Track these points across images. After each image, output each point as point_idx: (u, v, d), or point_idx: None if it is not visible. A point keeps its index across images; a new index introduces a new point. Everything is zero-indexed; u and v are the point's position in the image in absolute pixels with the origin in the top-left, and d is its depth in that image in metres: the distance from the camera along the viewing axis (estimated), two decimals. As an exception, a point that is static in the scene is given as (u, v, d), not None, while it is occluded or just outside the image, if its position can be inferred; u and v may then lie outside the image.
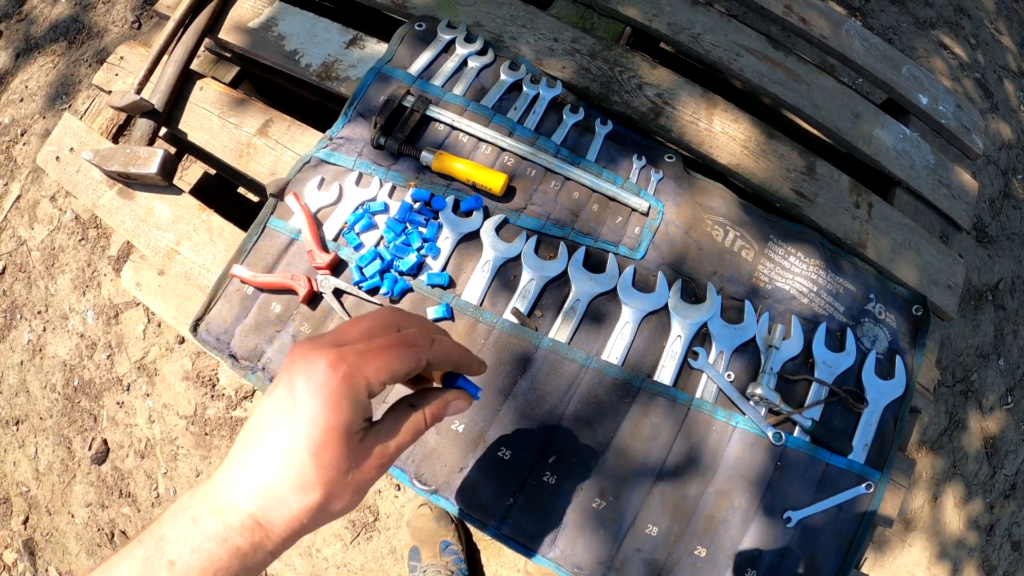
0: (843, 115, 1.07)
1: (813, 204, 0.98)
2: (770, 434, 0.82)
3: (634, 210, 0.91)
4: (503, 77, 0.97)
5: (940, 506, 1.86)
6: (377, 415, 0.48)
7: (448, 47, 0.99)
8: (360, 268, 0.83)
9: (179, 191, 0.99)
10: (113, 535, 1.71)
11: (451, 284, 0.85)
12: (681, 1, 1.09)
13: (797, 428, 0.84)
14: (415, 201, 0.87)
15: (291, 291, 0.84)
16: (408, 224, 0.86)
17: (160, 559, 0.39)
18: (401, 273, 0.84)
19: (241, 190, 1.55)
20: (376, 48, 1.02)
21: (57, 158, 1.05)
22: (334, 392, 0.41)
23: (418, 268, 0.85)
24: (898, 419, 0.87)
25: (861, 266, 0.96)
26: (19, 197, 2.04)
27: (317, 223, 0.87)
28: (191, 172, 1.87)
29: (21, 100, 2.19)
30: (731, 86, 1.29)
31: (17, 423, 1.84)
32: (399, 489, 1.67)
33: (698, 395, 0.83)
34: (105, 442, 1.77)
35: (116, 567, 0.39)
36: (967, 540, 1.84)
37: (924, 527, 1.83)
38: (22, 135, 2.13)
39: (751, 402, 0.83)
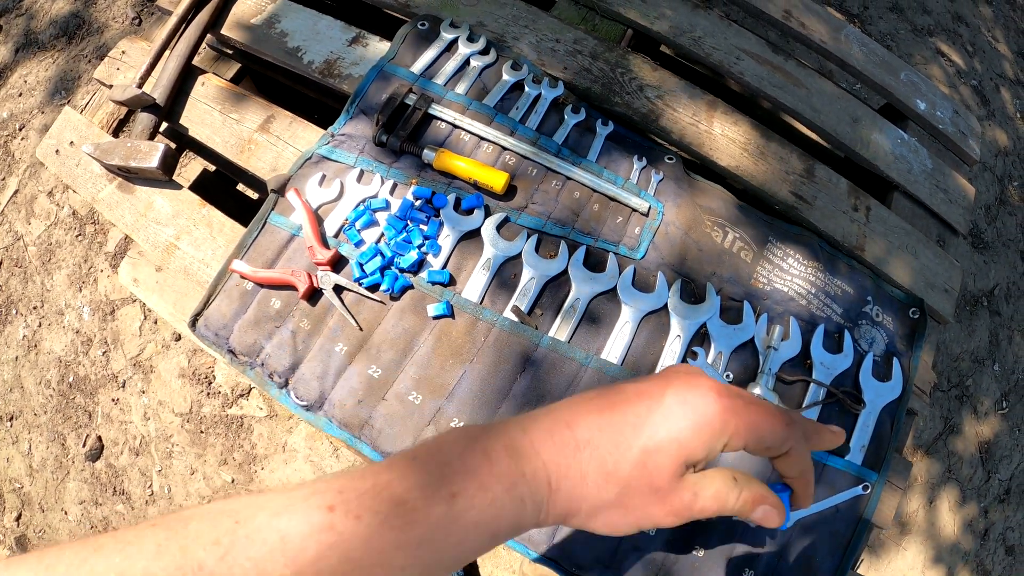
0: (842, 119, 1.07)
1: (812, 207, 0.98)
2: (768, 434, 0.82)
3: (634, 210, 0.91)
4: (505, 77, 0.97)
5: (935, 510, 1.87)
6: None
7: (451, 46, 1.00)
8: (361, 265, 0.83)
9: (179, 186, 0.99)
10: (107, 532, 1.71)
11: (452, 282, 0.85)
12: (682, 4, 1.10)
13: (794, 429, 0.84)
14: (416, 199, 0.87)
15: (291, 287, 0.84)
16: (409, 221, 0.86)
17: (443, 489, 0.34)
18: (402, 270, 0.84)
19: (240, 187, 1.55)
20: (379, 46, 1.02)
21: (57, 151, 1.05)
22: (706, 416, 0.39)
23: (419, 265, 0.85)
24: (895, 421, 0.88)
25: (859, 269, 0.96)
26: (16, 192, 2.03)
27: (318, 219, 0.87)
28: (190, 168, 1.87)
29: (20, 95, 2.18)
30: (730, 89, 1.30)
31: (11, 419, 1.83)
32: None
33: (696, 395, 0.83)
34: (99, 439, 1.76)
35: (393, 485, 0.34)
36: (961, 544, 1.85)
37: (919, 531, 1.83)
38: (20, 130, 2.13)
39: (749, 402, 0.83)
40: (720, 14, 1.12)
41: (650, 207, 0.91)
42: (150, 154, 0.95)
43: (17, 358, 1.86)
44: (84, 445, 1.75)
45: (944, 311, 1.00)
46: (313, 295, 0.84)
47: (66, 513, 1.74)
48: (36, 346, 1.86)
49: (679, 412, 0.38)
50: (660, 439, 0.38)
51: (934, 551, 1.82)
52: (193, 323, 0.85)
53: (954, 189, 1.11)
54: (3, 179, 2.06)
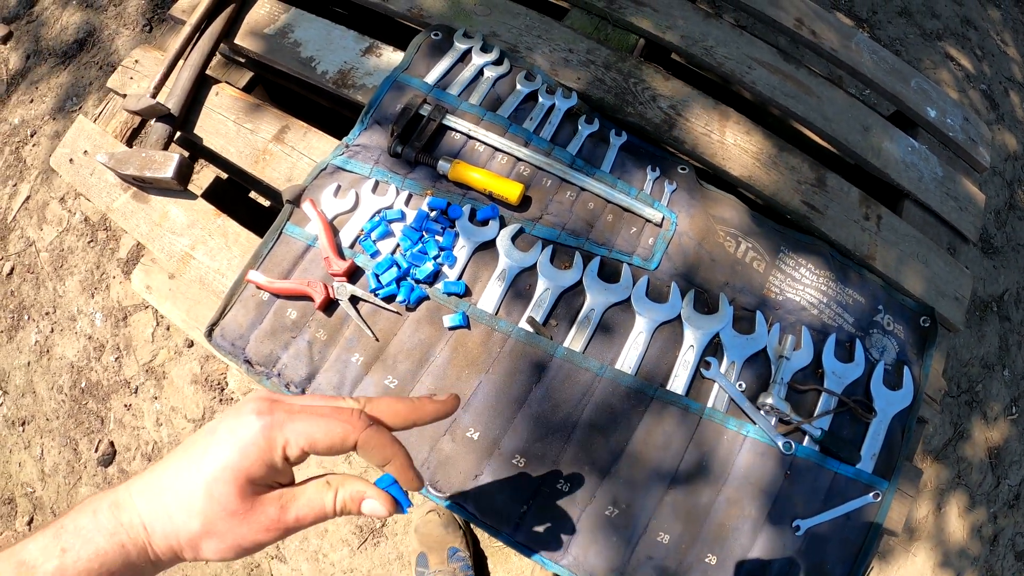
0: (853, 128, 1.08)
1: (823, 216, 0.99)
2: (780, 443, 0.83)
3: (648, 221, 0.92)
4: (519, 87, 0.98)
5: (944, 516, 1.86)
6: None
7: (464, 57, 1.00)
8: (377, 275, 0.84)
9: (194, 196, 1.00)
10: (118, 536, 1.71)
11: (467, 292, 0.86)
12: (694, 13, 1.11)
13: (806, 438, 0.85)
14: (432, 210, 0.88)
15: (307, 297, 0.84)
16: (425, 232, 0.86)
17: (55, 546, 0.41)
18: (418, 281, 0.85)
19: (253, 194, 1.56)
20: (392, 56, 1.03)
21: (71, 160, 1.06)
22: (247, 438, 0.43)
23: (434, 276, 0.86)
24: (905, 429, 0.88)
25: (870, 277, 0.96)
26: (28, 198, 2.05)
27: (333, 230, 0.88)
28: (202, 176, 1.88)
29: (31, 101, 2.20)
30: (739, 97, 1.30)
31: (23, 424, 1.84)
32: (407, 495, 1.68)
33: (710, 404, 0.84)
34: (112, 444, 1.77)
35: (19, 551, 0.41)
36: (970, 550, 1.84)
37: (928, 536, 1.83)
38: (32, 136, 2.14)
39: (762, 412, 0.84)
40: (732, 23, 1.12)
41: (663, 218, 0.92)
42: (165, 164, 0.96)
43: (29, 363, 1.87)
44: (96, 450, 1.76)
45: (955, 319, 1.00)
46: (329, 306, 0.84)
47: (78, 517, 1.75)
48: (48, 351, 1.87)
49: (227, 439, 0.43)
50: (214, 468, 0.42)
51: (943, 557, 1.81)
52: (209, 333, 0.86)
53: (964, 197, 1.11)
54: (15, 185, 2.08)
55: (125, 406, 1.78)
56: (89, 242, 1.93)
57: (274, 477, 0.45)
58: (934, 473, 1.90)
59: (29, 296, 1.93)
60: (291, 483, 0.47)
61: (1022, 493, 1.96)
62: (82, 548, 0.41)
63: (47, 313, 1.90)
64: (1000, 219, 2.22)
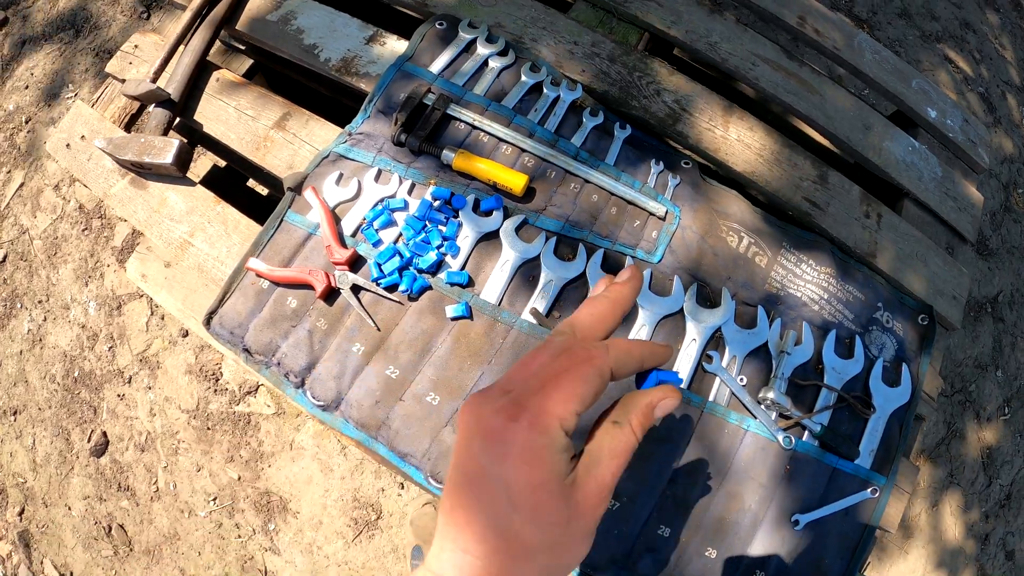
0: (854, 126, 1.08)
1: (825, 213, 0.99)
2: (781, 438, 0.83)
3: (652, 214, 0.92)
4: (524, 79, 0.97)
5: (937, 514, 1.88)
6: None
7: (469, 47, 1.00)
8: (379, 265, 0.83)
9: (192, 183, 0.99)
10: (111, 529, 1.70)
11: (470, 283, 0.85)
12: (699, 9, 1.10)
13: (806, 432, 0.85)
14: (435, 199, 0.87)
15: (308, 286, 0.84)
16: (428, 222, 0.86)
17: None
18: (420, 271, 0.84)
19: (251, 183, 1.55)
20: (396, 45, 1.02)
21: (68, 145, 1.05)
22: (524, 446, 0.36)
23: (437, 266, 0.85)
24: (903, 426, 0.88)
25: (870, 275, 0.97)
26: (22, 185, 2.03)
27: (335, 218, 0.87)
28: (200, 164, 1.87)
29: (26, 88, 2.18)
30: (742, 94, 1.30)
31: (15, 413, 1.83)
32: (403, 487, 1.68)
33: (711, 398, 0.84)
34: (104, 434, 1.76)
35: None
36: (963, 548, 1.86)
37: (921, 535, 1.84)
38: (26, 123, 2.12)
39: (763, 406, 0.84)
40: (735, 19, 1.12)
41: (667, 211, 0.91)
42: (165, 150, 0.95)
43: (22, 352, 1.86)
44: (89, 440, 1.75)
45: (952, 318, 1.01)
46: (330, 295, 0.84)
47: (70, 508, 1.73)
48: (41, 340, 1.85)
49: (501, 468, 0.36)
50: (518, 499, 0.36)
51: (936, 555, 1.83)
52: (208, 321, 0.85)
53: (963, 197, 1.12)
54: (9, 172, 2.06)
55: (118, 396, 1.77)
56: (83, 230, 1.91)
57: (567, 459, 0.38)
58: (928, 472, 1.91)
59: (22, 284, 1.91)
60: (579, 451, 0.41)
61: (1013, 493, 1.98)
62: None
63: (40, 301, 1.88)
64: (996, 221, 2.24)
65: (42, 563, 1.71)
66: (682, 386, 0.72)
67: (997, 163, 2.33)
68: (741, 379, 0.85)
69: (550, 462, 0.36)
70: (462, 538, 0.37)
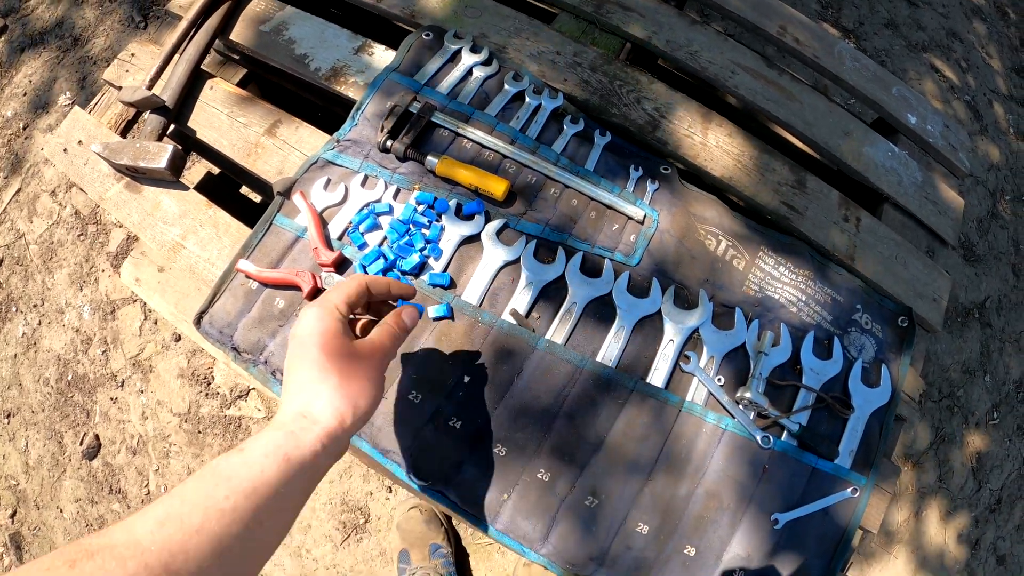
0: (834, 132, 1.10)
1: (803, 217, 1.01)
2: (758, 437, 0.84)
3: (630, 218, 0.94)
4: (507, 87, 1.00)
5: (925, 519, 1.89)
6: None
7: (454, 56, 1.02)
8: (364, 267, 0.85)
9: (186, 187, 1.01)
10: (102, 531, 1.71)
11: (452, 284, 0.87)
12: (679, 19, 1.13)
13: (785, 432, 0.86)
14: (419, 204, 0.89)
15: (295, 287, 0.86)
16: (412, 226, 0.88)
17: (235, 450, 0.54)
18: (404, 272, 0.86)
19: (244, 190, 1.57)
20: (384, 55, 1.04)
21: (65, 150, 1.07)
22: (316, 314, 0.62)
23: (420, 268, 0.87)
24: (883, 426, 0.90)
25: (848, 277, 0.99)
26: (19, 190, 2.05)
27: (323, 222, 0.89)
28: (193, 171, 1.89)
29: (24, 94, 2.20)
30: (725, 103, 1.32)
31: (8, 416, 1.84)
32: (390, 491, 1.69)
33: (689, 398, 0.86)
34: (97, 437, 1.77)
35: (207, 465, 0.53)
36: (952, 553, 1.87)
37: (909, 539, 1.85)
38: (24, 129, 2.14)
39: (740, 406, 0.86)
40: (717, 29, 1.15)
41: (645, 215, 0.94)
42: (159, 155, 0.97)
43: (16, 355, 1.87)
44: (81, 443, 1.76)
45: (933, 320, 1.02)
46: (316, 295, 0.86)
47: (61, 511, 1.74)
48: (35, 344, 1.87)
49: (304, 327, 0.62)
50: (314, 338, 0.61)
51: (924, 560, 1.84)
52: (198, 320, 0.87)
53: (943, 201, 1.14)
54: (6, 177, 2.08)
55: (111, 399, 1.78)
56: (79, 235, 1.93)
57: (344, 326, 0.63)
58: (915, 477, 1.92)
59: (17, 288, 1.93)
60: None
61: (1004, 497, 1.99)
62: (256, 443, 0.54)
63: (35, 305, 1.90)
64: (983, 227, 2.26)
65: (34, 566, 1.71)
66: (432, 312, 0.87)
67: (984, 170, 2.35)
68: (719, 379, 0.87)
69: (330, 320, 0.62)
70: (291, 379, 0.60)
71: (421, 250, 0.87)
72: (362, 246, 0.88)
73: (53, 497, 1.75)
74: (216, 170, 1.45)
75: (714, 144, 1.03)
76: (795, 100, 1.11)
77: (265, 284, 0.87)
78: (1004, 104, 2.52)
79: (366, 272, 0.85)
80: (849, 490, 0.86)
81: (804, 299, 0.94)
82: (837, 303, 0.96)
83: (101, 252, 1.90)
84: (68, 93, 2.16)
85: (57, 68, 2.21)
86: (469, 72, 1.01)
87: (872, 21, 2.50)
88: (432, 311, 0.85)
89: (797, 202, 1.02)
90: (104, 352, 1.82)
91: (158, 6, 2.26)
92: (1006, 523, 1.96)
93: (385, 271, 0.85)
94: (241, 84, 1.28)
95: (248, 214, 1.10)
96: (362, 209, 0.90)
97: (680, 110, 1.05)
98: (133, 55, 1.14)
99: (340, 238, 0.89)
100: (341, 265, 0.87)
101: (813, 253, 0.99)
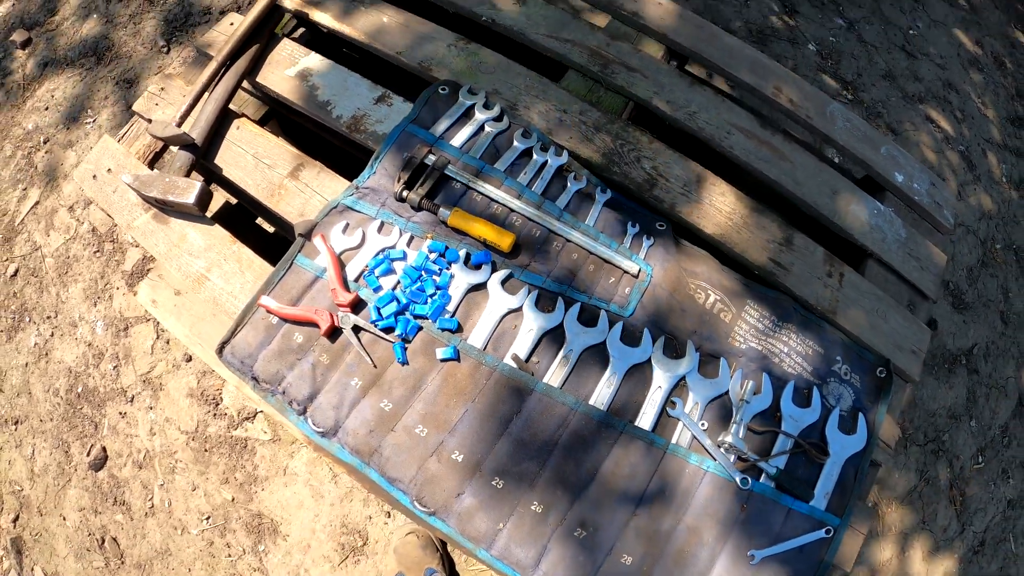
0: (822, 191, 1.17)
1: (789, 273, 1.07)
2: (738, 479, 0.90)
3: (626, 272, 1.01)
4: (516, 144, 1.07)
5: (909, 559, 1.92)
6: None
7: (468, 111, 1.10)
8: (378, 308, 0.92)
9: (211, 221, 1.07)
10: (103, 541, 1.74)
11: (459, 329, 0.94)
12: (680, 79, 1.21)
13: (763, 475, 0.92)
14: (431, 252, 0.96)
15: (314, 324, 0.92)
16: (424, 272, 0.95)
17: None
18: (416, 316, 0.93)
19: (259, 220, 1.63)
20: (402, 106, 1.12)
21: (94, 176, 1.13)
22: None
23: (436, 311, 0.94)
24: (859, 471, 0.95)
25: (829, 330, 1.05)
26: (37, 203, 2.10)
27: (341, 264, 0.96)
28: (213, 200, 1.95)
29: (46, 108, 2.26)
30: (721, 155, 1.39)
31: (16, 423, 1.88)
32: (389, 516, 1.73)
33: (674, 440, 0.92)
34: (104, 449, 1.81)
35: None
36: (932, 594, 1.90)
37: (891, 579, 1.88)
38: (44, 143, 2.20)
39: (722, 449, 0.92)
40: (716, 88, 1.22)
41: (640, 270, 1.00)
42: (187, 191, 1.03)
43: (27, 364, 1.92)
44: (88, 454, 1.80)
45: (911, 371, 1.08)
46: (333, 333, 0.92)
47: (64, 519, 1.78)
48: (47, 355, 1.91)
49: None
50: None
51: (905, 600, 1.87)
52: (220, 350, 0.93)
53: (926, 256, 1.19)
54: (25, 190, 2.14)
55: (120, 414, 1.83)
56: (95, 252, 1.99)
57: None
58: (899, 518, 1.96)
59: (31, 299, 1.98)
60: None
61: (987, 539, 2.02)
62: None
63: (48, 317, 1.95)
64: (972, 276, 2.32)
65: (33, 570, 1.74)
66: (439, 353, 0.88)
67: (975, 220, 2.41)
68: (703, 424, 0.93)
69: None
70: None
71: (431, 295, 0.94)
72: (377, 289, 0.94)
73: (57, 505, 1.79)
74: (234, 200, 1.52)
75: (708, 202, 1.10)
76: (786, 160, 1.17)
77: (285, 320, 0.93)
78: (998, 154, 2.58)
79: (380, 313, 0.92)
80: (823, 530, 0.91)
81: (786, 351, 1.00)
82: (818, 354, 1.02)
83: (116, 270, 1.96)
84: (90, 111, 2.23)
85: (80, 85, 2.27)
86: (481, 128, 1.09)
87: (870, 72, 2.58)
88: (440, 353, 0.91)
89: (784, 259, 1.08)
90: (115, 367, 1.87)
91: (181, 32, 2.34)
92: (989, 564, 1.99)
93: (397, 314, 0.92)
94: (262, 120, 1.35)
95: (264, 242, 1.15)
96: (378, 254, 0.97)
97: (677, 169, 1.12)
98: (163, 89, 1.21)
99: (356, 280, 0.96)
100: (357, 306, 0.94)
101: (797, 307, 1.05)
